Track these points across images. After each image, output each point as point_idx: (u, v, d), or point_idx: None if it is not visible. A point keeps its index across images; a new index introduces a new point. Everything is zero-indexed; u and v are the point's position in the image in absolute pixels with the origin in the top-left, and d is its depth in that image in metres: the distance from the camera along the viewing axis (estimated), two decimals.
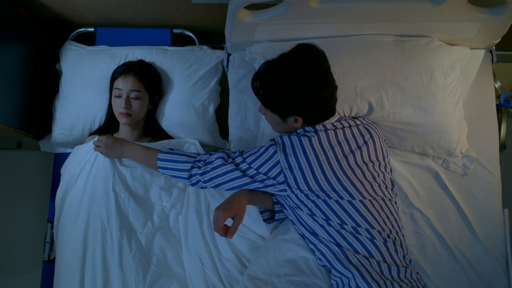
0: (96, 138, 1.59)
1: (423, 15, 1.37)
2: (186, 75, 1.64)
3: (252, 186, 1.24)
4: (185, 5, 1.67)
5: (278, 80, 1.20)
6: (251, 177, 1.21)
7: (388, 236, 1.18)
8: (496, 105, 1.58)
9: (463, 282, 1.38)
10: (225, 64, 1.66)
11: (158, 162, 1.32)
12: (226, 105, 1.59)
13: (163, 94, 1.65)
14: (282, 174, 1.18)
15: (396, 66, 1.41)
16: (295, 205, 1.23)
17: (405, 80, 1.40)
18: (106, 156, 1.44)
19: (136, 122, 1.59)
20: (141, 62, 1.62)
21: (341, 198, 1.17)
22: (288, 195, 1.22)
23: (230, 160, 1.25)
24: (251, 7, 1.32)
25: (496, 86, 1.87)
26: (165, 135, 1.64)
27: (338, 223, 1.17)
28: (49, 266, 1.62)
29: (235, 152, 1.27)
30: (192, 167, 1.27)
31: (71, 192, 1.46)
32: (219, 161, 1.24)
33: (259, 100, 1.29)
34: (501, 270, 1.40)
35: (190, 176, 1.27)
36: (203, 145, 1.60)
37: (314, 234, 1.22)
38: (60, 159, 1.74)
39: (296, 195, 1.19)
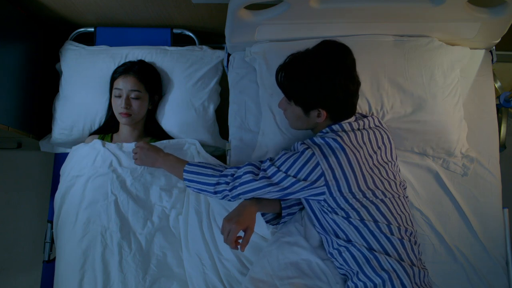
0: (96, 138, 1.60)
1: (423, 15, 1.37)
2: (186, 75, 1.64)
3: (282, 196, 1.20)
4: (185, 5, 1.67)
5: (305, 70, 1.18)
6: (285, 188, 1.16)
7: (410, 235, 1.20)
8: (496, 105, 1.58)
9: (463, 282, 1.38)
10: (225, 64, 1.66)
11: (184, 174, 1.29)
12: (226, 105, 1.59)
13: (163, 94, 1.65)
14: (322, 178, 1.13)
15: (396, 66, 1.42)
16: (330, 209, 1.18)
17: (405, 80, 1.40)
18: (139, 164, 1.42)
19: (136, 122, 1.59)
20: (141, 62, 1.62)
21: (376, 197, 1.16)
22: (324, 199, 1.16)
23: (261, 173, 1.19)
24: (251, 7, 1.32)
25: (496, 86, 1.87)
26: (165, 135, 1.64)
27: (373, 223, 1.15)
28: (49, 266, 1.62)
29: (265, 162, 1.22)
30: (218, 182, 1.23)
31: (70, 192, 1.46)
32: (249, 177, 1.19)
33: (282, 92, 1.26)
34: (501, 270, 1.40)
35: (216, 192, 1.24)
36: (203, 145, 1.59)
37: (346, 239, 1.18)
38: (60, 159, 1.74)
39: (334, 198, 1.15)
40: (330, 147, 1.15)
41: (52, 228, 1.59)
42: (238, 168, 1.24)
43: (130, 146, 1.52)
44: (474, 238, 1.42)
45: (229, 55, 1.63)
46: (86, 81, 1.65)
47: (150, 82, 1.58)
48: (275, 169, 1.17)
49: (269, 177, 1.18)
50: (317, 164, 1.13)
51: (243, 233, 1.19)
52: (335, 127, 1.22)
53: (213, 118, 1.65)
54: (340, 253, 1.20)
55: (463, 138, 1.47)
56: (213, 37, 1.91)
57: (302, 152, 1.15)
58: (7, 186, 2.07)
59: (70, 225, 1.40)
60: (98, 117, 1.65)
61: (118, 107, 1.53)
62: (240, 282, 1.27)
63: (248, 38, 1.49)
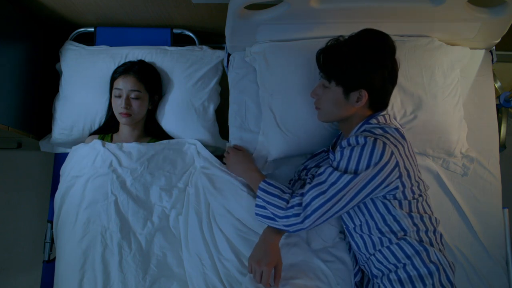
0: (96, 138, 1.59)
1: (423, 15, 1.37)
2: (186, 75, 1.64)
3: (358, 202, 1.13)
4: (185, 5, 1.66)
5: (351, 47, 1.16)
6: (360, 189, 1.09)
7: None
8: (496, 105, 1.58)
9: (463, 282, 1.38)
10: (225, 64, 1.66)
11: (256, 200, 1.21)
12: (226, 105, 1.59)
13: (163, 94, 1.65)
14: (397, 168, 1.09)
15: None
16: (395, 203, 1.13)
17: (405, 80, 1.40)
18: (228, 168, 1.39)
19: (136, 122, 1.59)
20: (141, 62, 1.62)
21: (424, 189, 1.19)
22: (396, 192, 1.12)
23: (329, 189, 1.09)
24: (251, 7, 1.32)
25: (496, 86, 1.87)
26: (165, 135, 1.64)
27: (424, 215, 1.16)
28: (49, 266, 1.62)
29: (329, 174, 1.10)
30: (287, 216, 1.13)
31: (70, 192, 1.46)
32: (318, 202, 1.10)
33: (323, 73, 1.21)
34: (501, 270, 1.40)
35: (288, 226, 1.14)
36: (203, 145, 1.59)
37: (402, 234, 1.14)
38: (60, 159, 1.74)
39: (404, 190, 1.12)
40: (394, 137, 1.13)
41: (52, 228, 1.59)
42: (303, 194, 1.13)
43: (130, 146, 1.52)
44: (474, 238, 1.42)
45: (229, 55, 1.63)
46: (86, 81, 1.64)
47: (150, 82, 1.58)
48: (351, 175, 1.07)
49: (342, 188, 1.08)
50: (392, 153, 1.08)
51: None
52: (379, 118, 1.19)
53: (213, 118, 1.65)
54: (389, 249, 1.16)
55: (463, 138, 1.47)
56: (213, 37, 1.91)
57: (374, 143, 1.07)
58: (7, 186, 2.06)
59: (70, 225, 1.40)
60: (98, 117, 1.65)
61: (118, 107, 1.53)
62: (240, 282, 1.27)
63: (248, 38, 1.49)
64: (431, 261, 1.12)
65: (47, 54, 1.81)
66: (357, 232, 1.22)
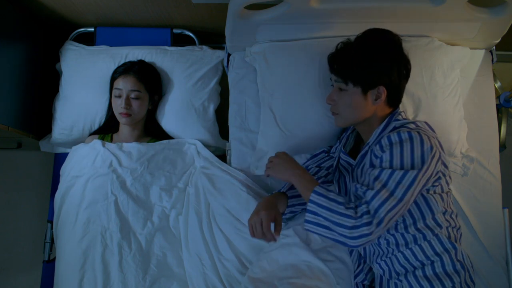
0: (96, 138, 1.59)
1: (423, 15, 1.37)
2: (186, 75, 1.64)
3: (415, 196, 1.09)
4: (185, 5, 1.66)
5: (366, 45, 1.17)
6: (424, 183, 1.07)
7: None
8: (496, 105, 1.58)
9: None
10: (225, 64, 1.66)
11: (309, 205, 1.08)
12: (226, 105, 1.59)
13: (163, 94, 1.65)
14: (440, 159, 1.10)
15: None
16: (438, 197, 1.14)
17: None
18: (270, 173, 1.23)
19: (136, 122, 1.59)
20: (141, 62, 1.62)
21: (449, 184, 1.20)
22: (435, 187, 1.13)
23: (396, 188, 1.04)
24: (251, 7, 1.32)
25: (496, 86, 1.87)
26: (165, 135, 1.64)
27: (455, 213, 1.20)
28: (49, 266, 1.62)
29: (389, 175, 1.04)
30: (356, 226, 1.01)
31: (70, 192, 1.46)
32: (389, 205, 1.03)
33: (339, 76, 1.19)
34: (501, 270, 1.40)
35: (354, 238, 1.02)
36: (203, 145, 1.59)
37: (438, 230, 1.14)
38: (60, 159, 1.74)
39: (442, 183, 1.14)
40: (428, 130, 1.15)
41: (52, 228, 1.59)
42: (367, 202, 1.04)
43: (130, 146, 1.52)
44: (474, 238, 1.42)
45: (229, 55, 1.63)
46: (86, 81, 1.64)
47: (150, 82, 1.58)
48: (413, 172, 1.03)
49: (408, 186, 1.03)
50: (435, 144, 1.08)
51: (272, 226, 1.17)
52: (402, 114, 1.20)
53: (213, 118, 1.65)
54: (420, 246, 1.15)
55: (463, 138, 1.46)
56: (213, 37, 1.91)
57: (421, 138, 1.06)
58: (7, 186, 2.06)
59: (70, 225, 1.40)
60: (98, 117, 1.65)
61: (118, 107, 1.53)
62: (240, 282, 1.27)
63: (248, 38, 1.49)
64: (457, 260, 1.13)
65: (47, 54, 1.81)
66: (388, 232, 1.17)
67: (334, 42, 1.43)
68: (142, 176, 1.46)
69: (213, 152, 1.57)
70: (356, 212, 1.03)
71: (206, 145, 1.61)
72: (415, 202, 1.13)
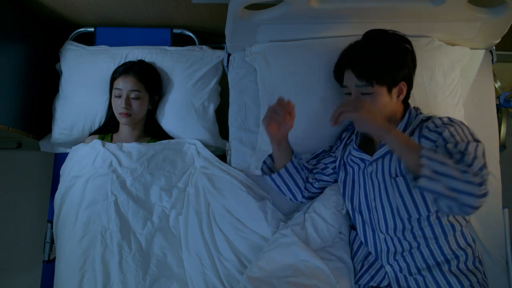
0: (96, 138, 1.59)
1: (423, 15, 1.37)
2: (186, 75, 1.64)
3: None
4: (185, 5, 1.66)
5: (384, 44, 1.19)
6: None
7: None
8: (496, 105, 1.58)
9: None
10: (225, 64, 1.66)
11: (423, 160, 0.97)
12: (226, 105, 1.59)
13: (163, 94, 1.65)
14: None
15: None
16: None
17: None
18: (360, 121, 1.06)
19: (136, 122, 1.59)
20: (141, 62, 1.62)
21: None
22: None
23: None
24: (251, 7, 1.32)
25: (496, 86, 1.87)
26: (165, 135, 1.64)
27: None
28: (49, 266, 1.62)
29: (466, 145, 1.04)
30: (482, 183, 0.96)
31: (70, 192, 1.46)
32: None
33: (364, 79, 1.16)
34: (501, 270, 1.40)
35: (482, 195, 0.96)
36: (203, 145, 1.59)
37: (465, 224, 1.23)
38: (60, 159, 1.74)
39: None
40: None
41: (52, 228, 1.59)
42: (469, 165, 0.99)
43: (130, 146, 1.52)
44: (474, 238, 1.42)
45: (229, 55, 1.63)
46: (86, 81, 1.64)
47: (150, 82, 1.58)
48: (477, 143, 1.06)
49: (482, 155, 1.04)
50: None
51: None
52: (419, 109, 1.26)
53: (213, 118, 1.65)
54: (447, 240, 1.18)
55: None
56: (213, 37, 1.91)
57: (460, 122, 1.14)
58: (7, 186, 2.06)
59: (70, 225, 1.40)
60: (98, 117, 1.65)
61: (118, 107, 1.53)
62: (240, 282, 1.27)
63: (248, 38, 1.49)
64: (477, 256, 1.20)
65: (47, 54, 1.81)
66: (420, 224, 1.17)
67: (334, 42, 1.43)
68: (142, 176, 1.46)
69: (213, 152, 1.57)
70: (472, 173, 0.96)
71: (206, 145, 1.61)
72: None
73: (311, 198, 1.39)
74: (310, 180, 1.37)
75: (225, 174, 1.45)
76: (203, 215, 1.39)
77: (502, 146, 1.74)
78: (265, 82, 1.47)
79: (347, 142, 1.36)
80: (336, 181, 1.38)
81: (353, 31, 1.45)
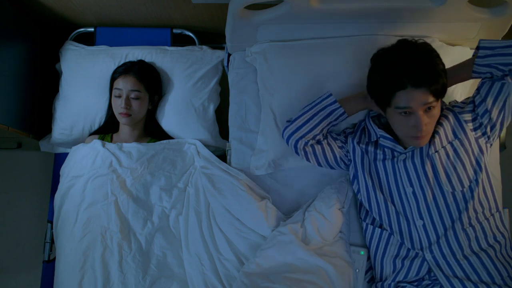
0: (96, 138, 1.59)
1: (423, 15, 1.37)
2: (186, 75, 1.64)
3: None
4: (185, 5, 1.66)
5: (434, 54, 1.18)
6: None
7: None
8: None
9: None
10: (225, 64, 1.66)
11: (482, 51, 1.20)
12: (226, 105, 1.59)
13: (163, 94, 1.65)
14: None
15: None
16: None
17: None
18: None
19: (136, 122, 1.59)
20: (141, 62, 1.62)
21: None
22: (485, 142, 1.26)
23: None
24: (251, 7, 1.32)
25: None
26: (165, 135, 1.64)
27: None
28: (49, 266, 1.62)
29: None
30: None
31: (70, 193, 1.46)
32: None
33: (436, 96, 1.14)
34: None
35: None
36: (203, 145, 1.59)
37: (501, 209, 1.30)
38: (60, 159, 1.74)
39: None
40: None
41: (52, 228, 1.59)
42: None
43: (130, 146, 1.53)
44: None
45: (229, 55, 1.63)
46: (86, 81, 1.64)
47: (150, 82, 1.58)
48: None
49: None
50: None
51: None
52: None
53: (213, 118, 1.65)
54: (489, 221, 1.24)
55: None
56: (213, 37, 1.91)
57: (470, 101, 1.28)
58: (7, 186, 2.06)
59: (70, 225, 1.40)
60: (98, 117, 1.65)
61: (118, 107, 1.53)
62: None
63: (249, 38, 1.49)
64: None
65: (47, 54, 1.81)
66: (483, 214, 1.23)
67: (334, 42, 1.43)
68: (142, 176, 1.46)
69: (213, 152, 1.57)
70: None
71: (206, 145, 1.61)
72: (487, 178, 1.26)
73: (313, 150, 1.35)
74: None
75: (225, 174, 1.45)
76: (203, 215, 1.39)
77: (502, 146, 1.74)
78: (265, 82, 1.47)
79: (361, 142, 1.35)
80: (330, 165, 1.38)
81: (353, 31, 1.45)
